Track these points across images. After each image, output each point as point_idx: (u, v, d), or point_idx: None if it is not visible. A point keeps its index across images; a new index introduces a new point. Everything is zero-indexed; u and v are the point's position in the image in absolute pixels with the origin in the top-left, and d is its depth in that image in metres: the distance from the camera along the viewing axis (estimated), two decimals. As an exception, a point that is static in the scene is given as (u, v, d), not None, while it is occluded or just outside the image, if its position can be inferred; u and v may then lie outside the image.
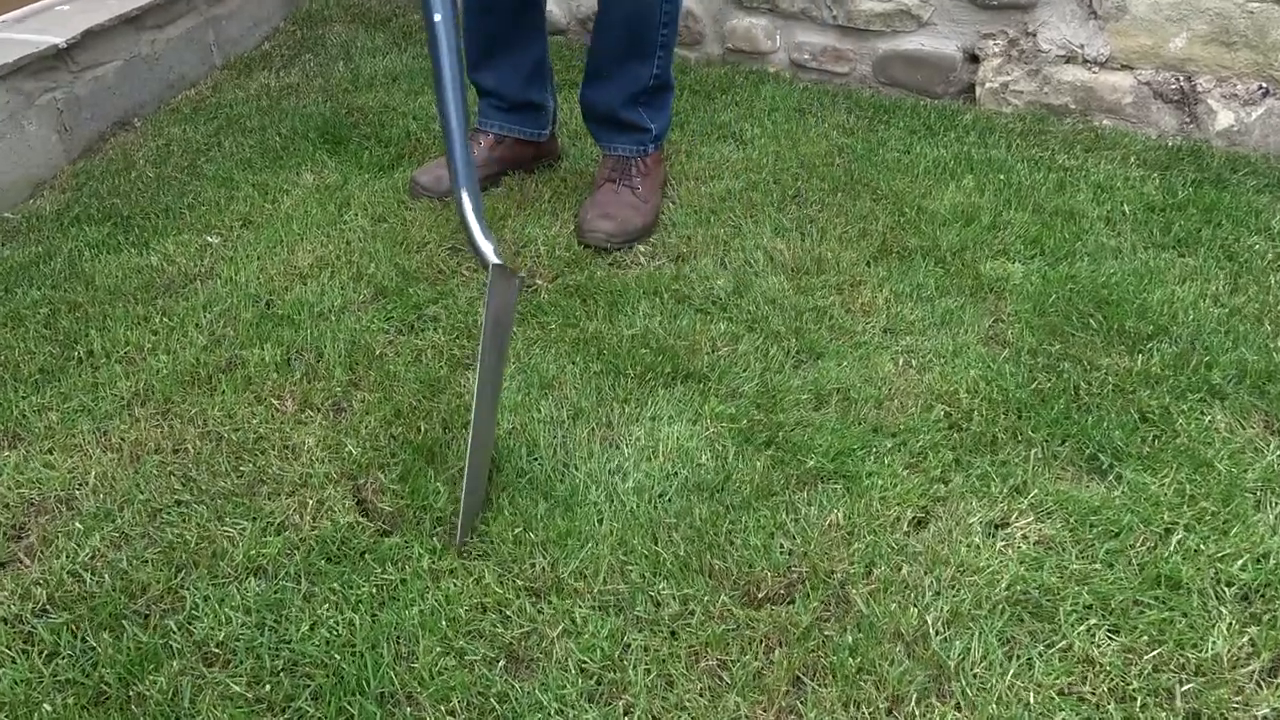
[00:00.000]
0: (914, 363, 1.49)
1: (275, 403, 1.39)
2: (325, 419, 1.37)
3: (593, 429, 1.35)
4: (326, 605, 1.08)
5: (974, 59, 2.40)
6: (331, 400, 1.41)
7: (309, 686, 0.99)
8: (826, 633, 1.05)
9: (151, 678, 1.00)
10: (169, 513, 1.20)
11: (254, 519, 1.19)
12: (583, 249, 1.78)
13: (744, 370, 1.46)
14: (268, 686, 0.99)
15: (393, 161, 2.12)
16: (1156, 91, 2.21)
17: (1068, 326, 1.56)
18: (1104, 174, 2.04)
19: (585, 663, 1.02)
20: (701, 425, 1.35)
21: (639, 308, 1.61)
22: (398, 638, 1.05)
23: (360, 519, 1.20)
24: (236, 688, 0.99)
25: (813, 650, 1.03)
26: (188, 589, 1.10)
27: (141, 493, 1.23)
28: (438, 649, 1.03)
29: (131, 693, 0.99)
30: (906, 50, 2.45)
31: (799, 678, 1.01)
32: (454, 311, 1.60)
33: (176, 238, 1.81)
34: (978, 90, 2.40)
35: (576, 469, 1.27)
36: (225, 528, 1.18)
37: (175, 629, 1.05)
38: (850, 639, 1.03)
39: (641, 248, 1.79)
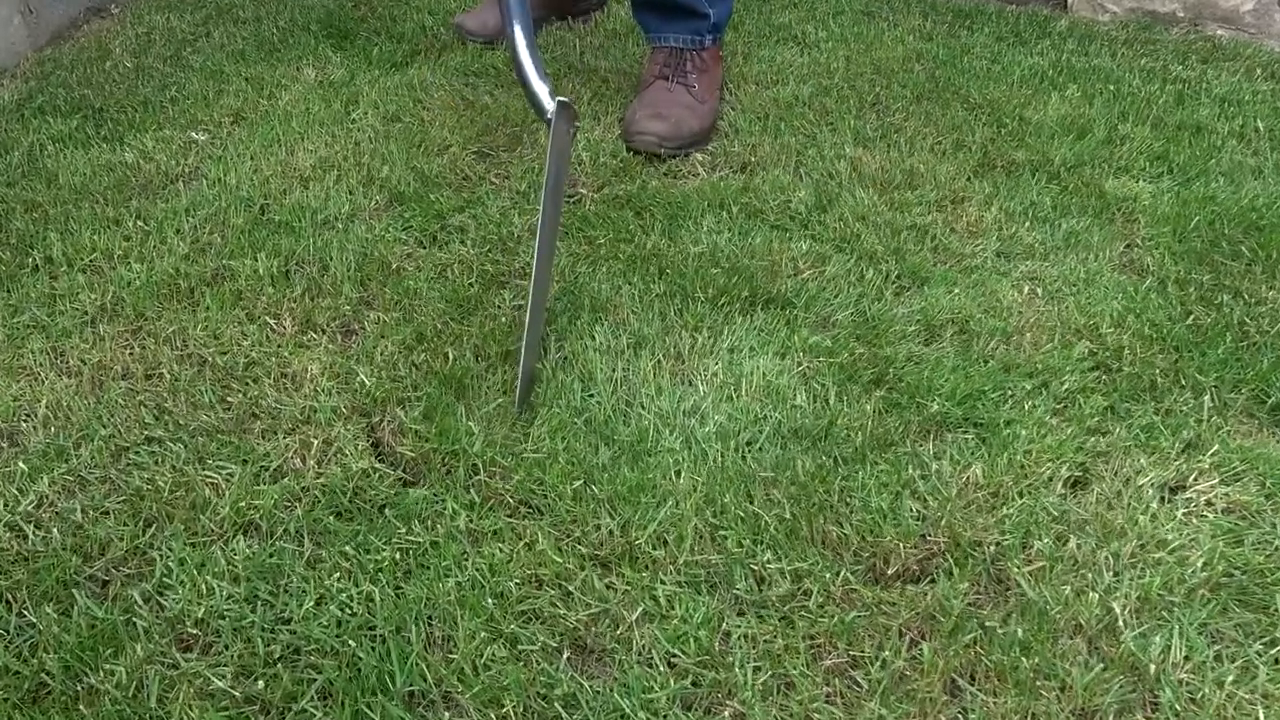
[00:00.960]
0: (1040, 291, 1.24)
1: (271, 322, 1.14)
2: (332, 342, 1.12)
3: (659, 361, 1.10)
4: (337, 574, 0.84)
5: (1066, -40, 2.12)
6: (339, 320, 1.15)
7: (315, 681, 0.76)
8: (986, 623, 0.81)
9: (108, 666, 0.76)
10: (137, 452, 0.96)
11: (244, 462, 0.95)
12: (631, 156, 1.52)
13: (835, 296, 1.21)
14: (261, 681, 0.75)
15: (406, 58, 1.84)
16: (1282, -3, 1.93)
17: (1216, 254, 1.30)
18: (1227, 87, 1.76)
19: (676, 657, 0.78)
20: (791, 359, 1.11)
21: (703, 222, 1.35)
22: (429, 618, 0.81)
23: (377, 465, 0.96)
24: (219, 682, 0.75)
25: (970, 645, 0.79)
26: (158, 549, 0.86)
27: (104, 426, 0.98)
28: (482, 634, 0.79)
29: (81, 686, 0.75)
30: (989, -51, 2.15)
31: (955, 682, 0.77)
32: (484, 222, 1.34)
33: (156, 133, 1.55)
34: (1070, -4, 2.11)
35: (644, 409, 1.03)
36: (207, 472, 0.94)
37: (141, 601, 0.81)
38: (1018, 631, 0.79)
39: (700, 156, 1.53)
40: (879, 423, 1.02)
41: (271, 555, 0.86)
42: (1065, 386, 1.07)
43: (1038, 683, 0.76)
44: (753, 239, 1.32)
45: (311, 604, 0.81)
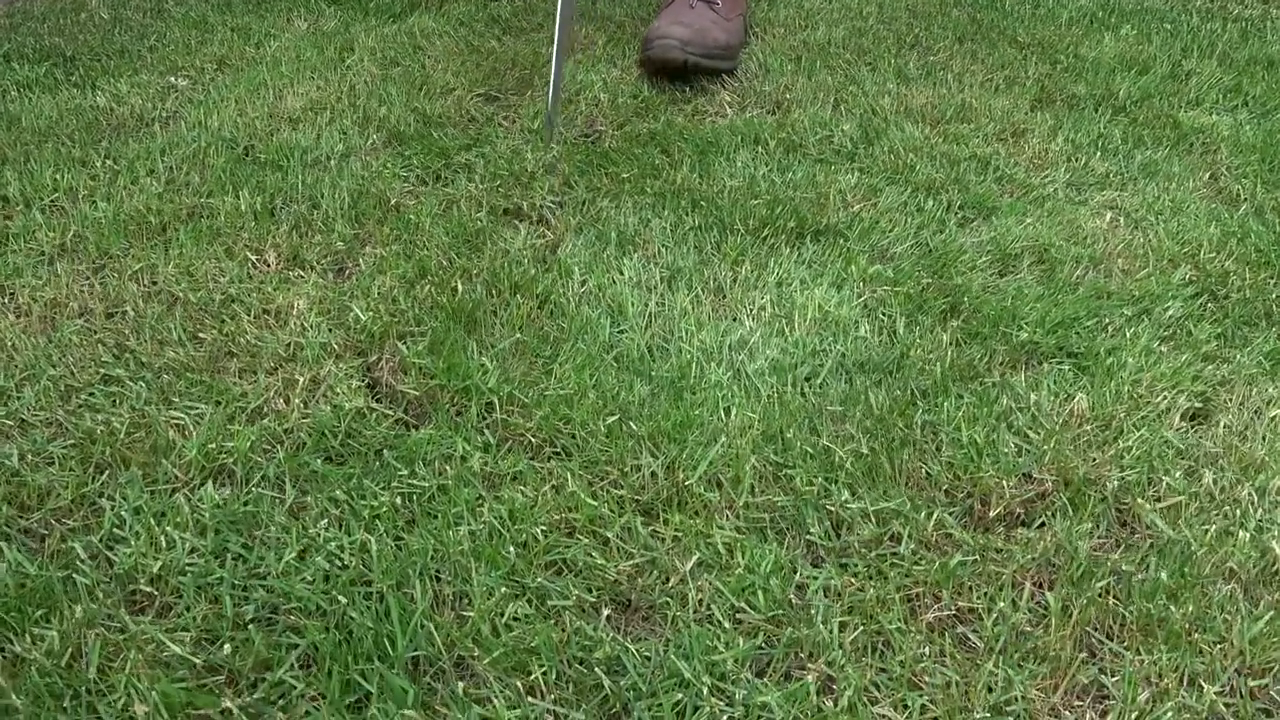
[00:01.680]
0: (1123, 219, 1.10)
1: (252, 257, 1.00)
2: (322, 279, 0.98)
3: (698, 295, 0.96)
4: (325, 523, 0.69)
5: (1105, -93, 1.99)
6: (331, 257, 1.01)
7: (296, 646, 0.61)
8: (1122, 567, 0.66)
9: (38, 630, 0.61)
10: (91, 393, 0.81)
11: (217, 402, 0.80)
12: (653, 94, 1.38)
13: (893, 228, 1.07)
14: (228, 646, 0.60)
15: (405, 9, 1.71)
16: (1344, -66, 1.80)
17: (1313, 181, 1.16)
18: (1295, 24, 1.63)
19: (742, 612, 0.63)
20: (850, 289, 0.96)
21: (736, 158, 1.21)
22: (437, 573, 0.66)
23: (374, 405, 0.81)
24: (176, 648, 0.60)
25: (1103, 594, 0.64)
26: (109, 498, 0.71)
27: (54, 366, 0.84)
28: (503, 589, 0.64)
29: (6, 653, 0.60)
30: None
31: (1089, 637, 0.62)
32: (493, 159, 1.20)
33: (132, 78, 1.41)
34: (1111, -56, 1.98)
35: (684, 343, 0.89)
36: (173, 412, 0.79)
37: (85, 556, 0.67)
38: (1162, 576, 0.65)
39: (727, 96, 1.39)
40: (959, 354, 0.87)
41: (246, 503, 0.71)
42: (1170, 313, 0.93)
43: (1195, 637, 0.61)
44: (794, 172, 1.18)
45: (293, 556, 0.66)
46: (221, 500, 0.71)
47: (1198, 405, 0.82)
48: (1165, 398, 0.82)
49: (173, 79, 1.41)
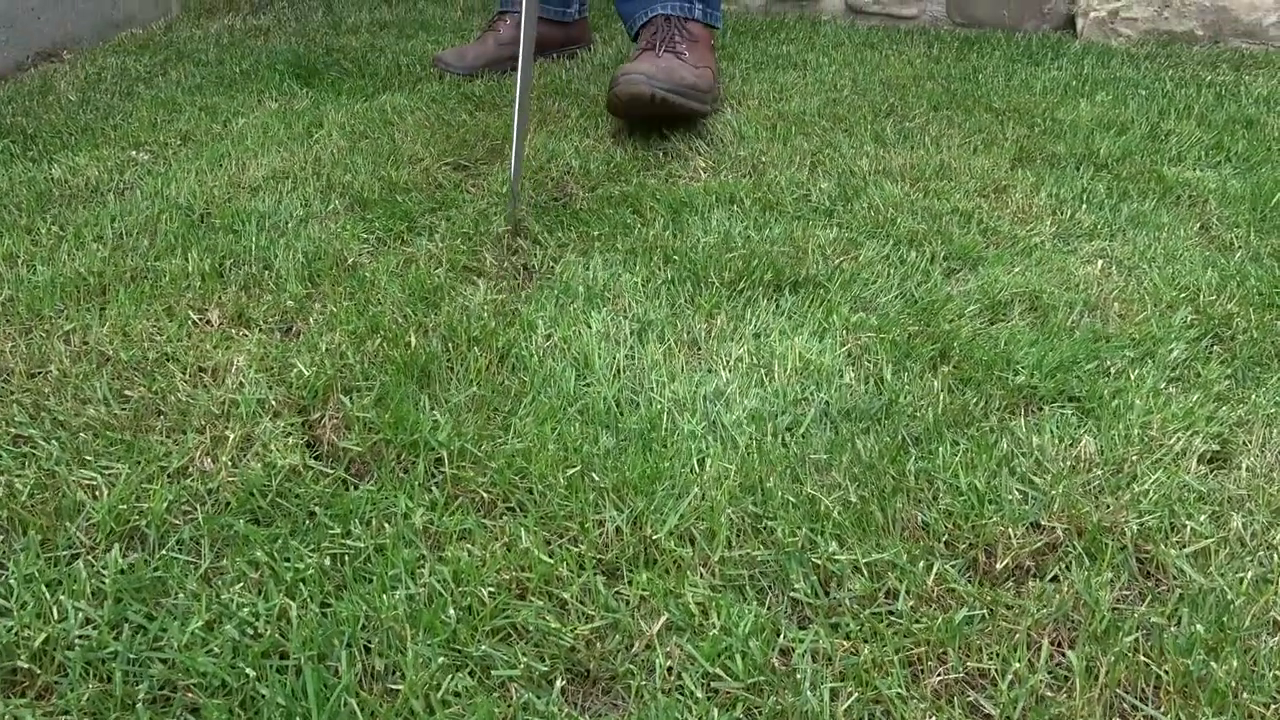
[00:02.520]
0: (1115, 267, 1.05)
1: (194, 316, 0.94)
2: (267, 337, 0.91)
3: (670, 348, 0.89)
4: (241, 586, 0.61)
5: (1071, -12, 2.03)
6: (279, 315, 0.95)
7: (194, 731, 0.52)
8: (1151, 620, 0.58)
9: (-110, 717, 0.52)
10: (-3, 455, 0.74)
11: (136, 462, 0.73)
12: (625, 159, 1.35)
13: (875, 279, 1.02)
14: (111, 731, 0.51)
15: (378, 89, 1.70)
16: (1308, 6, 1.83)
17: (1308, 229, 1.12)
18: (1268, 89, 1.63)
19: (718, 680, 0.55)
20: (833, 338, 0.90)
21: (712, 216, 1.17)
22: (367, 643, 0.57)
23: (311, 463, 0.74)
24: (50, 734, 0.51)
25: (1133, 651, 0.56)
26: (-1, 565, 0.63)
27: (-40, 428, 0.76)
28: (440, 660, 0.56)
29: None
30: (990, -19, 2.07)
31: (1121, 701, 0.54)
32: (459, 221, 1.16)
33: (92, 153, 1.38)
34: (1079, 23, 2.02)
35: (655, 395, 0.82)
36: (86, 472, 0.71)
37: (-40, 631, 0.58)
38: (1199, 630, 0.56)
39: (701, 161, 1.36)
40: (953, 399, 0.81)
41: (156, 569, 0.63)
42: (1174, 354, 0.87)
43: (1241, 696, 0.53)
44: (771, 229, 1.13)
45: (199, 626, 0.57)
46: (127, 566, 0.63)
47: (1215, 448, 0.75)
48: (1179, 439, 0.75)
49: (133, 153, 1.38)
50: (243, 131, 1.46)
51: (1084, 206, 1.19)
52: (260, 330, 0.92)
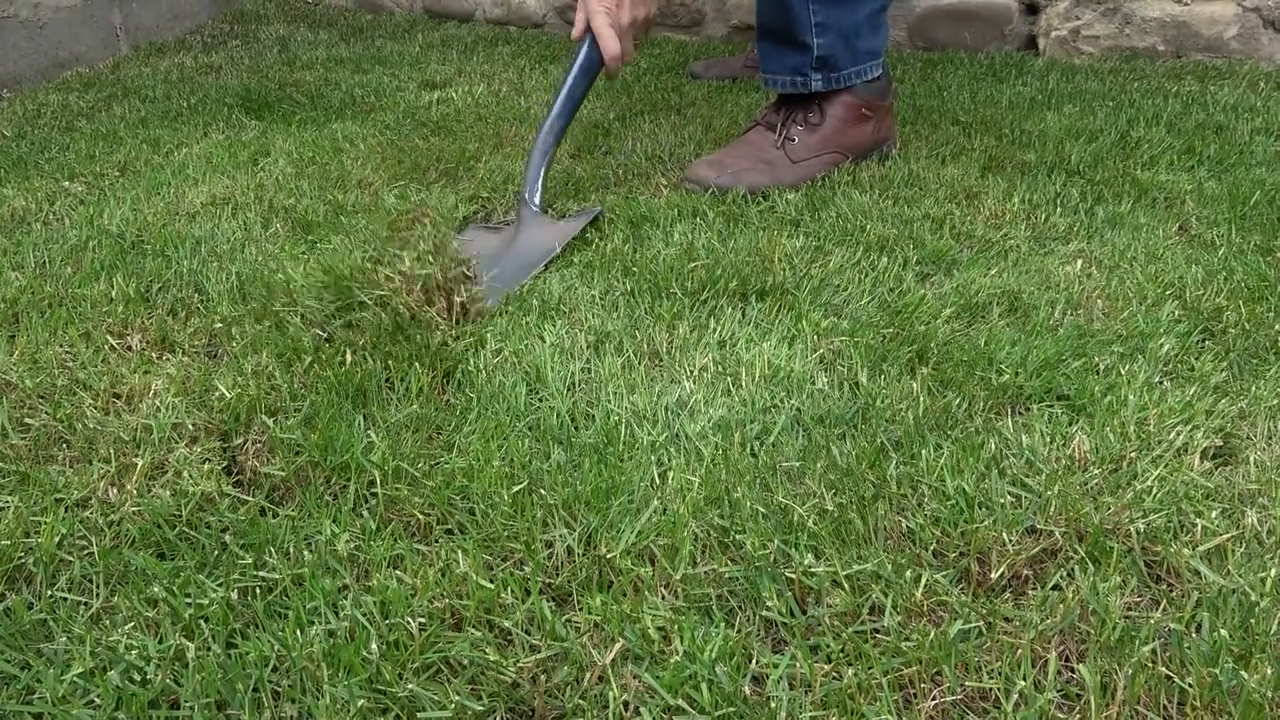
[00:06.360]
0: (1095, 267, 1.00)
1: (112, 340, 0.86)
2: (189, 360, 0.84)
3: (629, 358, 0.83)
4: (131, 627, 0.53)
5: (1032, 9, 2.02)
6: (206, 338, 0.88)
7: (62, 798, 0.44)
8: (1169, 626, 0.51)
9: None
10: (-128, 492, 0.65)
11: (28, 494, 0.65)
12: (586, 176, 1.30)
13: (846, 284, 0.96)
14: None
15: (332, 117, 1.65)
16: (1267, 19, 1.82)
17: (1290, 225, 1.09)
18: (1235, 97, 1.61)
19: (681, 714, 0.47)
20: (804, 344, 0.84)
21: (674, 229, 1.11)
22: (276, 686, 0.50)
23: (228, 489, 0.66)
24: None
25: (1152, 662, 0.49)
26: None
27: None
28: (360, 703, 0.48)
29: None
30: (949, 4, 2.06)
31: (1144, 717, 0.47)
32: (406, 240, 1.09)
33: (22, 185, 1.31)
34: (1041, 42, 2.01)
35: (611, 407, 0.75)
36: (-33, 507, 0.63)
37: None
38: (1223, 635, 0.50)
39: (662, 179, 1.31)
40: (934, 401, 0.75)
41: (40, 611, 0.55)
42: (1165, 349, 0.81)
43: (1279, 708, 0.46)
44: (738, 240, 1.08)
45: (76, 676, 0.49)
46: (4, 609, 0.55)
47: (1218, 442, 0.69)
48: (1179, 434, 0.69)
49: (67, 183, 1.31)
50: (184, 161, 1.40)
51: (1059, 210, 1.15)
52: (184, 354, 0.85)
